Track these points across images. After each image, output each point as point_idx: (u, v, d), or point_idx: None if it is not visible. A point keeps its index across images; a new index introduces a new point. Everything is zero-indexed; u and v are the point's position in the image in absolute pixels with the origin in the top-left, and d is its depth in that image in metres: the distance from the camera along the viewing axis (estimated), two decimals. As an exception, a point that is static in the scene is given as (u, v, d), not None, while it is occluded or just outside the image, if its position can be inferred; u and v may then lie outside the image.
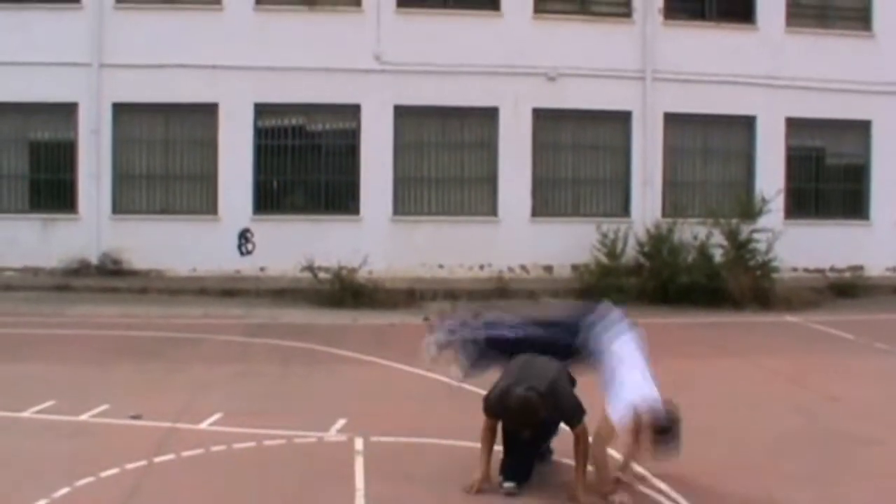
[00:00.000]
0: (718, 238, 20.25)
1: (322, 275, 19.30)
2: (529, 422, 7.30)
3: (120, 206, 21.68)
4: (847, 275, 22.59)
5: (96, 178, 21.33)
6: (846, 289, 21.43)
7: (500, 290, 20.02)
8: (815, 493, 7.79)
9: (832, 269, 22.91)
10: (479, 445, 7.68)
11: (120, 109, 21.50)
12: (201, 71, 21.29)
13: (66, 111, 21.47)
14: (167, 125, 21.86)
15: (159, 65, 21.14)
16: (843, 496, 7.75)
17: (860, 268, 23.09)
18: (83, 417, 9.62)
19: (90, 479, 7.63)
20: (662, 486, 7.76)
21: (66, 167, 21.57)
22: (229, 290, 19.85)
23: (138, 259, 21.25)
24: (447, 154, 22.42)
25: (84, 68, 21.22)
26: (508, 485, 7.53)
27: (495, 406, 7.47)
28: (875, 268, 23.33)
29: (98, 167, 21.35)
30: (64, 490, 7.37)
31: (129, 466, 7.97)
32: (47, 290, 19.59)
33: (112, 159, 21.53)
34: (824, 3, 23.89)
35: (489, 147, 22.43)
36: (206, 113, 21.68)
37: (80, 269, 20.98)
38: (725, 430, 9.67)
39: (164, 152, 21.87)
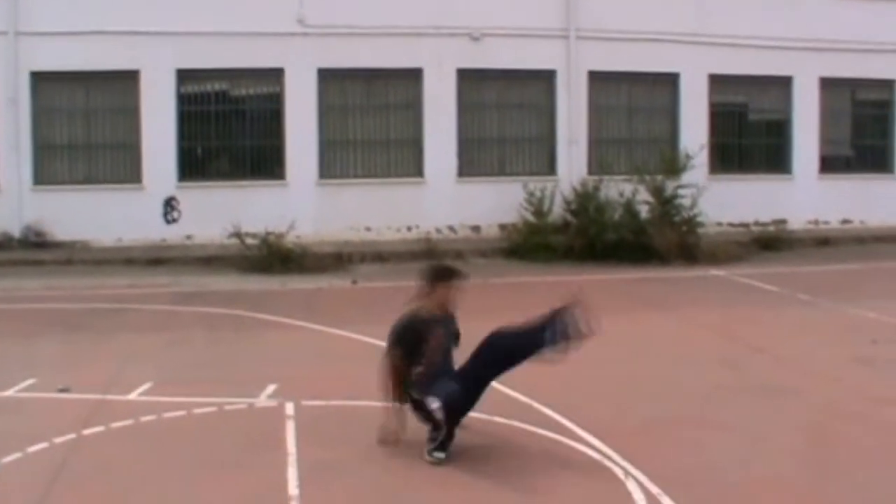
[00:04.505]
0: (644, 195, 20.42)
1: (249, 241, 19.16)
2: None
3: (41, 177, 21.28)
4: (771, 228, 22.84)
5: (16, 149, 20.89)
6: (770, 242, 21.71)
7: (427, 251, 20.02)
8: (743, 440, 7.93)
9: (756, 223, 23.17)
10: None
11: (38, 78, 21.06)
12: (121, 37, 20.87)
13: (-18, 81, 21.00)
14: (88, 93, 21.48)
15: (78, 32, 20.70)
16: (770, 443, 7.89)
17: (783, 221, 23.41)
18: (9, 392, 9.49)
19: (17, 454, 7.53)
20: (594, 440, 7.84)
21: (-16, 139, 21.13)
22: (156, 259, 19.65)
23: (62, 230, 20.91)
24: (372, 116, 22.31)
25: (0, 36, 20.76)
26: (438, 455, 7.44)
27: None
28: (797, 221, 23.68)
29: (17, 138, 20.90)
30: (-9, 467, 7.29)
31: (58, 440, 7.89)
32: (-31, 264, 19.23)
33: (32, 129, 21.11)
34: (745, -41, 24.05)
35: (414, 108, 22.35)
36: (128, 80, 21.29)
37: (3, 243, 20.57)
38: (654, 383, 9.82)
39: (86, 121, 21.50)
